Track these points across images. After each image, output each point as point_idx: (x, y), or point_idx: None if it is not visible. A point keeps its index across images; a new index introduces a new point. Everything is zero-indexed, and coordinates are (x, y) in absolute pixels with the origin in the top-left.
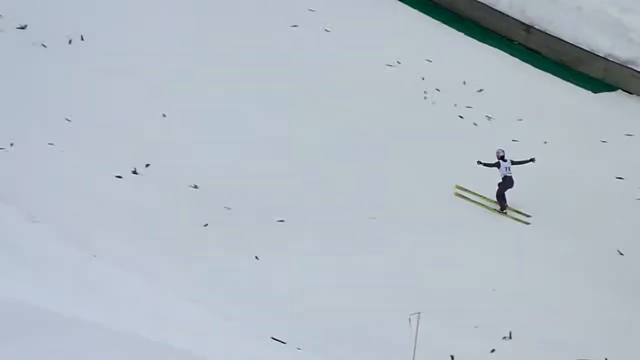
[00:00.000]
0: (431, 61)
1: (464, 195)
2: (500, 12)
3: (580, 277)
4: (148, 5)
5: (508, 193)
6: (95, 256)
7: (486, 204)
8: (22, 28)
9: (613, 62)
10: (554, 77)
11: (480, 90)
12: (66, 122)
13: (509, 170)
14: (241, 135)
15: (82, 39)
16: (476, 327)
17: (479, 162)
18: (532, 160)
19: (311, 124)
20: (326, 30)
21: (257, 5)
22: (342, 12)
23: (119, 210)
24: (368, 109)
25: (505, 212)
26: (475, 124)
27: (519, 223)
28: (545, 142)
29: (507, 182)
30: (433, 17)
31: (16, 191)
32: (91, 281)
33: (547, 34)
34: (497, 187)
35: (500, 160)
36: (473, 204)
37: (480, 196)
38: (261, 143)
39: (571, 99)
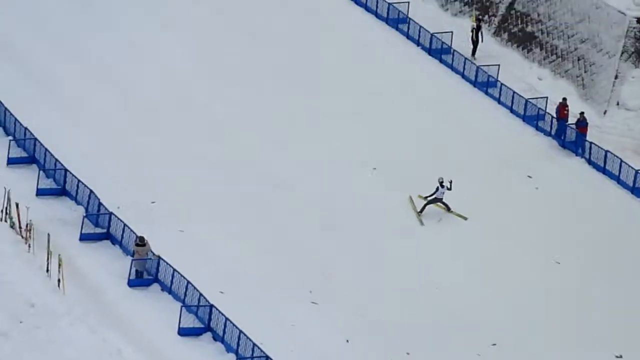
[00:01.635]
0: None
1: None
2: None
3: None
4: None
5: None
6: None
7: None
8: None
9: None
10: None
11: None
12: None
13: (443, 194)
14: None
15: None
16: None
17: (425, 197)
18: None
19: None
20: None
21: None
22: None
23: None
24: None
25: (420, 214)
26: None
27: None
28: None
29: (438, 200)
30: None
31: None
32: None
33: None
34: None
35: (439, 185)
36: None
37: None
38: None
39: None
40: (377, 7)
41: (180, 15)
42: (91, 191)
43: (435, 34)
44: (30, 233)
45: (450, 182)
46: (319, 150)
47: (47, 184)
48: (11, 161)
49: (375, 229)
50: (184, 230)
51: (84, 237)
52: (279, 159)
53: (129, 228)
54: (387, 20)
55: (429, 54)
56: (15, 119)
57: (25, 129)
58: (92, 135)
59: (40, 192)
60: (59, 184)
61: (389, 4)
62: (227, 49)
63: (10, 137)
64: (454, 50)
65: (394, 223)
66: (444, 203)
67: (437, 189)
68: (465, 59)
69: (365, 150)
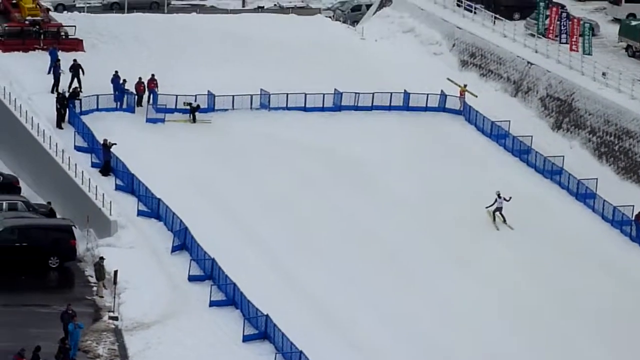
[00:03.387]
0: None
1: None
2: None
3: None
4: None
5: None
6: None
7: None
8: None
9: None
10: None
11: None
12: None
13: (501, 203)
14: None
15: None
16: None
17: (487, 207)
18: (510, 198)
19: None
20: None
21: None
22: None
23: None
24: None
25: (494, 221)
26: None
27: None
28: None
29: (498, 209)
30: None
31: None
32: None
33: None
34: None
35: (497, 197)
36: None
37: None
38: None
39: None
40: None
41: None
42: None
43: None
44: None
45: (510, 198)
46: None
47: None
48: None
49: None
50: None
51: None
52: None
53: None
54: None
55: None
56: None
57: None
58: None
59: None
60: None
61: None
62: None
63: None
64: None
65: None
66: (502, 214)
67: (496, 200)
68: None
69: None
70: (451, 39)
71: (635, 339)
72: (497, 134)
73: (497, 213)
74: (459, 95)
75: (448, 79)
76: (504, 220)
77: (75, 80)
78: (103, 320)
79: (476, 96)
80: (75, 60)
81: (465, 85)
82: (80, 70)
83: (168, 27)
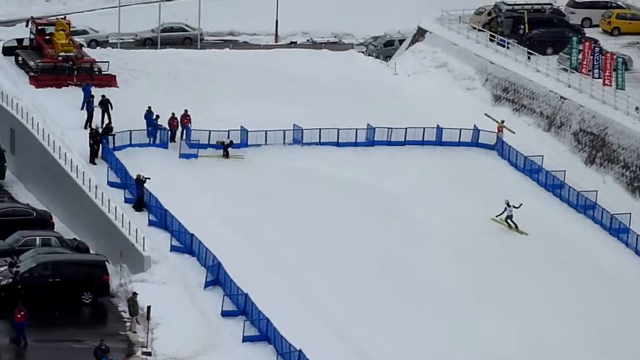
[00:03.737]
0: None
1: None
2: None
3: None
4: None
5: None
6: None
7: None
8: None
9: None
10: None
11: None
12: None
13: (511, 211)
14: None
15: None
16: None
17: (497, 215)
18: (520, 205)
19: None
20: None
21: None
22: None
23: None
24: None
25: (517, 229)
26: None
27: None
28: None
29: (509, 217)
30: None
31: None
32: None
33: None
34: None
35: (507, 206)
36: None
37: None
38: None
39: None
40: None
41: None
42: None
43: None
44: None
45: (520, 205)
46: None
47: None
48: None
49: None
50: None
51: None
52: None
53: None
54: None
55: None
56: None
57: None
58: None
59: None
60: None
61: None
62: None
63: None
64: None
65: None
66: (513, 222)
67: (505, 209)
68: None
69: None
70: (484, 73)
71: None
72: (530, 169)
73: (509, 221)
74: (496, 131)
75: (485, 114)
76: (516, 227)
77: (106, 115)
78: (136, 356)
79: (514, 132)
80: (103, 96)
81: (502, 121)
82: (109, 105)
83: (201, 63)
